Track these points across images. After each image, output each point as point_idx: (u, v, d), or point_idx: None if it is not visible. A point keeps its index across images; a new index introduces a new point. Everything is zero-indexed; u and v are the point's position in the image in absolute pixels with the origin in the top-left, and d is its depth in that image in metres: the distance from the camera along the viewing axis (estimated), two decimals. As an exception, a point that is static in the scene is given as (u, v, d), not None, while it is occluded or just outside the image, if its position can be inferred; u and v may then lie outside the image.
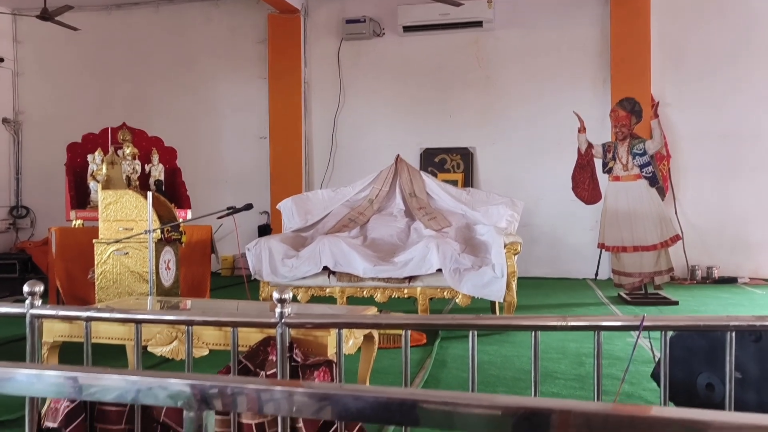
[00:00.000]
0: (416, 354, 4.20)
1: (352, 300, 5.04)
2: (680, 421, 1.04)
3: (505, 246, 4.80)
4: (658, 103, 6.78)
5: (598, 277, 8.04)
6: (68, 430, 2.49)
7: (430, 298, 4.92)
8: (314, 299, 5.12)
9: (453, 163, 8.65)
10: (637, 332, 2.23)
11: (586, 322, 2.30)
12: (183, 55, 9.33)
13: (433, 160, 8.68)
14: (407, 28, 8.60)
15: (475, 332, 2.31)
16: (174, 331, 2.64)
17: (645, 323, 2.23)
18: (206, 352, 2.64)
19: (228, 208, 4.60)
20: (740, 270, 7.71)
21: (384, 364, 3.69)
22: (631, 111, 6.39)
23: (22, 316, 2.64)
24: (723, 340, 2.37)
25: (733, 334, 2.27)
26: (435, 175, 7.54)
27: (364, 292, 5.01)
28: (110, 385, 1.36)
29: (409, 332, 2.36)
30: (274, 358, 2.46)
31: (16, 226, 9.74)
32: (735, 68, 7.80)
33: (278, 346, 2.37)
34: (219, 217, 4.56)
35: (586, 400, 1.23)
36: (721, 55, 7.87)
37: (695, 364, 2.60)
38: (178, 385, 1.33)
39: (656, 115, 6.53)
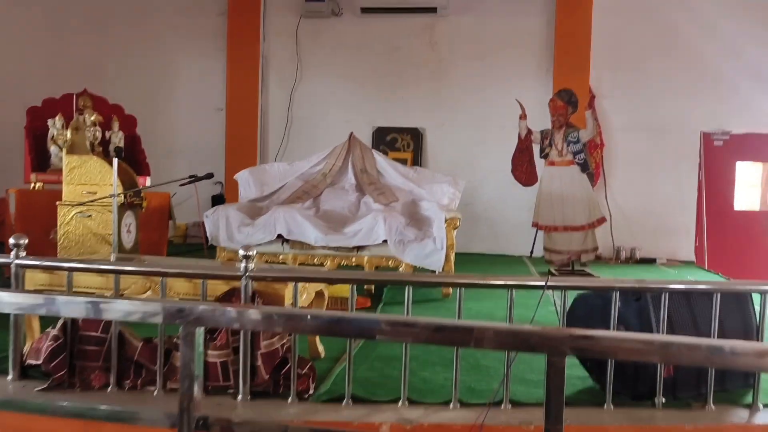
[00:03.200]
0: (361, 315, 4.63)
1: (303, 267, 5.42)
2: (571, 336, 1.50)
3: (445, 221, 5.27)
4: (593, 96, 7.33)
5: (533, 255, 8.64)
6: (51, 366, 2.82)
7: (376, 267, 5.36)
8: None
9: (403, 143, 9.07)
10: (542, 290, 2.72)
11: (501, 281, 2.77)
12: (143, 23, 9.38)
13: (385, 139, 9.08)
14: (365, 10, 8.91)
15: (411, 287, 2.75)
16: (148, 282, 2.98)
17: (549, 283, 2.72)
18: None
19: (190, 176, 4.91)
20: (660, 252, 8.44)
21: (332, 322, 4.11)
22: (568, 102, 6.92)
23: (8, 265, 2.95)
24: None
25: (618, 293, 2.79)
26: (386, 154, 7.93)
27: (315, 260, 5.39)
28: (108, 307, 1.73)
29: (354, 286, 2.78)
30: (238, 307, 2.85)
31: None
32: (663, 65, 8.45)
33: (242, 296, 2.76)
34: (181, 185, 4.86)
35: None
36: (652, 52, 8.49)
37: (593, 321, 3.11)
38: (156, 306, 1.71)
39: (591, 107, 7.09)
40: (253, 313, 1.63)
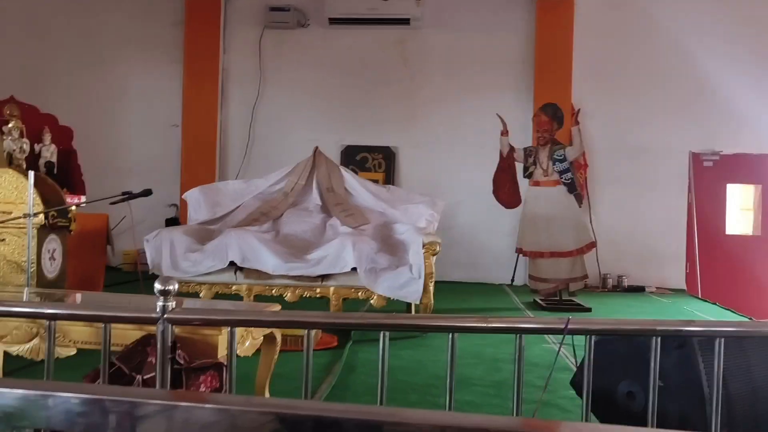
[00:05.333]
0: (325, 358, 3.92)
1: (260, 299, 4.70)
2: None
3: (423, 246, 4.62)
4: (579, 110, 6.81)
5: (514, 283, 8.03)
6: None
7: (344, 299, 4.67)
8: (219, 297, 4.74)
9: (374, 162, 8.44)
10: (562, 335, 2.05)
11: (507, 324, 2.10)
12: (89, 30, 8.63)
13: (354, 159, 8.43)
14: (333, 21, 8.33)
15: (387, 333, 2.06)
16: (34, 327, 2.24)
17: (570, 326, 2.06)
18: (73, 352, 2.26)
19: (123, 193, 4.16)
20: (648, 279, 7.91)
21: (288, 369, 3.38)
22: (553, 116, 6.39)
23: None
24: (645, 346, 2.23)
25: (659, 339, 2.13)
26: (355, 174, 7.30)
27: (273, 291, 4.70)
28: None
29: (312, 332, 2.08)
30: (154, 360, 2.12)
31: None
32: (649, 83, 8.02)
33: (159, 346, 2.03)
34: (112, 203, 4.10)
35: (503, 415, 0.99)
36: (637, 72, 8.07)
37: (616, 370, 2.47)
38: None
39: (577, 122, 6.56)
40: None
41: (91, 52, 8.59)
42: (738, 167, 7.66)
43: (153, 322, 2.02)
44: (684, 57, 7.96)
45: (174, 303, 2.04)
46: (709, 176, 7.72)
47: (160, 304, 2.05)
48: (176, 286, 2.02)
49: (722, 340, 2.13)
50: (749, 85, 7.69)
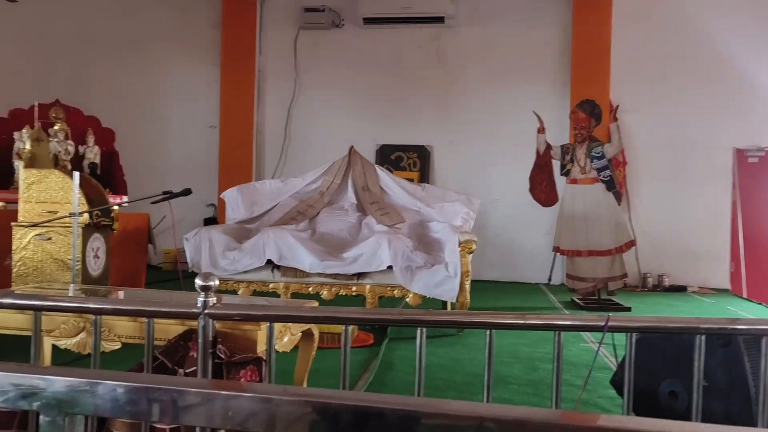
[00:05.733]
0: (362, 355, 3.94)
1: (297, 297, 4.74)
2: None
3: (459, 244, 4.59)
4: (618, 106, 6.71)
5: (551, 282, 7.94)
6: (-53, 433, 2.13)
7: (380, 297, 4.68)
8: (257, 295, 4.80)
9: (409, 161, 8.44)
10: (602, 333, 2.03)
11: (545, 321, 2.08)
12: (131, 34, 8.84)
13: (389, 158, 8.45)
14: (368, 20, 8.35)
15: (424, 329, 2.06)
16: (82, 322, 2.31)
17: (611, 323, 2.03)
18: (118, 346, 2.32)
19: (164, 193, 4.25)
20: (690, 279, 7.72)
21: (325, 365, 3.41)
22: (591, 113, 6.29)
23: None
24: (689, 345, 2.18)
25: (703, 337, 2.09)
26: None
27: (310, 289, 4.73)
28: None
29: (350, 328, 2.10)
30: (196, 355, 2.16)
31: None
32: (691, 76, 7.82)
33: (200, 340, 2.07)
34: (153, 202, 4.19)
35: (542, 408, 0.99)
36: (678, 67, 7.88)
37: (658, 369, 2.42)
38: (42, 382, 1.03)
39: (615, 119, 6.45)
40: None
41: (132, 56, 8.81)
42: (785, 163, 7.43)
43: (194, 317, 2.06)
44: (727, 50, 7.73)
45: (215, 299, 2.08)
46: (755, 173, 7.49)
47: (201, 299, 2.09)
48: (217, 282, 2.05)
49: (770, 338, 2.08)
50: (797, 78, 7.45)
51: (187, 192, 4.30)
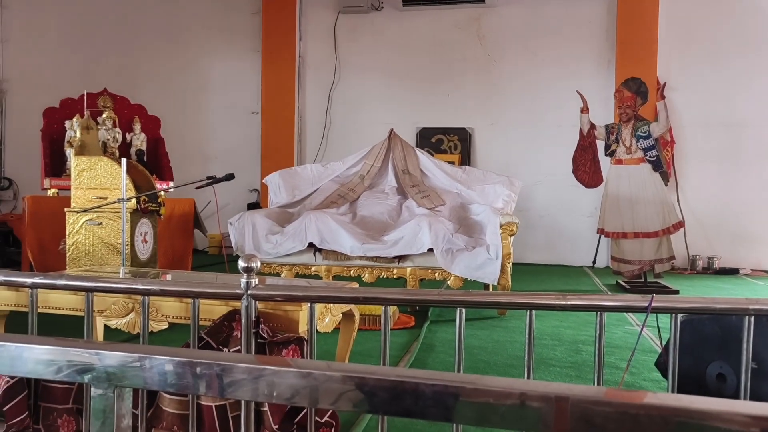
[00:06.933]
0: (403, 337, 3.96)
1: (338, 279, 4.79)
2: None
3: (500, 226, 4.56)
4: (665, 84, 6.50)
5: (595, 265, 7.82)
6: (7, 407, 2.24)
7: (421, 280, 4.68)
8: (299, 278, 4.87)
9: (450, 144, 8.39)
10: (645, 314, 1.99)
11: (587, 301, 2.05)
12: (174, 24, 9.01)
13: (430, 141, 8.41)
14: (407, 3, 8.30)
15: (464, 310, 2.06)
16: (131, 302, 2.39)
17: (655, 304, 1.99)
18: (166, 326, 2.40)
19: (208, 178, 4.34)
20: (741, 261, 7.49)
21: (366, 347, 3.45)
22: (637, 92, 6.12)
23: (-37, 281, 2.39)
24: (738, 326, 2.13)
25: (752, 318, 2.03)
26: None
27: (351, 272, 4.76)
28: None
29: (389, 308, 2.12)
30: (239, 334, 2.22)
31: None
32: (743, 56, 7.53)
33: (243, 321, 2.13)
34: (197, 187, 4.29)
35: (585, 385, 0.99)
36: (730, 42, 7.58)
37: (705, 352, 2.37)
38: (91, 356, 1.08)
39: (662, 97, 6.26)
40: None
41: (175, 44, 8.98)
42: None
43: (238, 297, 2.11)
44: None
45: (257, 280, 2.13)
46: (812, 150, 7.17)
47: (243, 280, 2.14)
48: (258, 264, 2.09)
49: (824, 320, 2.01)
50: None
51: (230, 177, 4.38)
